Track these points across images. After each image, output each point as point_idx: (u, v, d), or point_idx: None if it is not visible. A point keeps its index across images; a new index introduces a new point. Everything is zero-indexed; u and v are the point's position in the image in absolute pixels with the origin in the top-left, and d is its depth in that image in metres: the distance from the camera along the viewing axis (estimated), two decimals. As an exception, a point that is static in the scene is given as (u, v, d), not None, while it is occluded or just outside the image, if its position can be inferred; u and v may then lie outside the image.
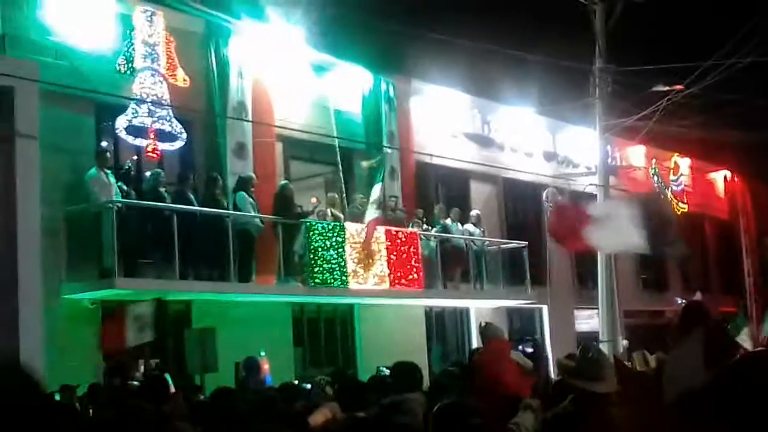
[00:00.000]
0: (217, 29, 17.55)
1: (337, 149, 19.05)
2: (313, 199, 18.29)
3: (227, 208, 16.42)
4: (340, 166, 19.13)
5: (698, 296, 17.43)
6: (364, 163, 19.91)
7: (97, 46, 15.50)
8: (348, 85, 20.10)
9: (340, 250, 17.60)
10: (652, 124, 23.60)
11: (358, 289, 17.95)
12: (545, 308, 24.44)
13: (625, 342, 21.77)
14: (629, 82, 22.67)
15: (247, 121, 17.53)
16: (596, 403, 5.59)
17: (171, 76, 16.14)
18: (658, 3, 23.05)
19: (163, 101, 15.87)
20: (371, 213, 18.31)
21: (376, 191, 18.50)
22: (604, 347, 20.04)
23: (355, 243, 17.86)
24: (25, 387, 3.38)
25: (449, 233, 20.98)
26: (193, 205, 15.88)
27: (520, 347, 20.85)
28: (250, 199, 16.77)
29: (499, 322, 21.58)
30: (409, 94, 21.85)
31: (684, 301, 23.99)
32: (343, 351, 19.37)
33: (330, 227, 17.62)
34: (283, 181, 17.87)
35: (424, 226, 20.24)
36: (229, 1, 18.17)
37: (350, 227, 17.96)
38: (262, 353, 15.17)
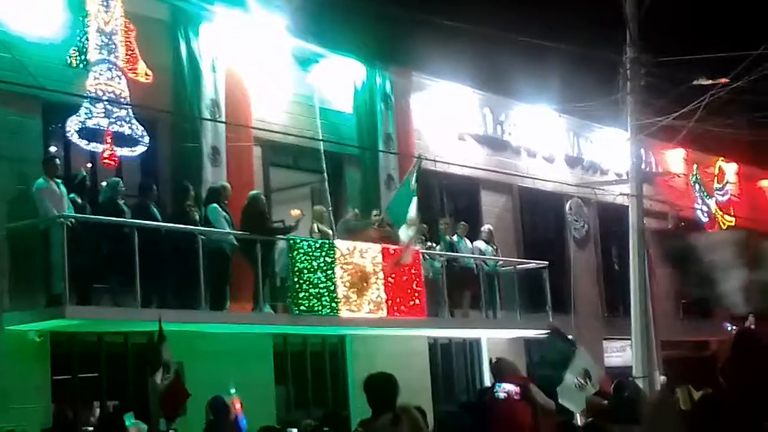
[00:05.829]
0: (185, 16, 17.54)
1: (325, 154, 19.03)
2: (296, 212, 18.15)
3: (198, 224, 16.39)
4: (327, 174, 19.09)
5: (750, 322, 17.32)
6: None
7: (45, 36, 15.48)
8: (337, 80, 20.10)
9: (329, 272, 17.55)
10: (692, 124, 23.57)
11: (350, 318, 17.91)
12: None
13: (662, 378, 21.73)
14: (666, 75, 22.66)
15: (220, 122, 17.49)
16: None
17: (131, 70, 16.11)
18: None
19: (122, 99, 15.84)
20: (405, 233, 18.49)
21: (413, 208, 18.61)
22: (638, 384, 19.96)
23: (347, 264, 17.83)
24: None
25: (456, 251, 20.96)
26: (157, 220, 15.82)
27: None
28: (224, 213, 16.73)
29: (515, 355, 21.68)
30: (409, 90, 21.84)
31: (734, 328, 23.90)
32: (333, 390, 19.31)
33: (317, 245, 17.58)
34: (254, 192, 17.66)
35: (428, 244, 20.19)
36: (200, -17, 18.17)
37: (341, 245, 17.92)
38: (232, 390, 15.14)
